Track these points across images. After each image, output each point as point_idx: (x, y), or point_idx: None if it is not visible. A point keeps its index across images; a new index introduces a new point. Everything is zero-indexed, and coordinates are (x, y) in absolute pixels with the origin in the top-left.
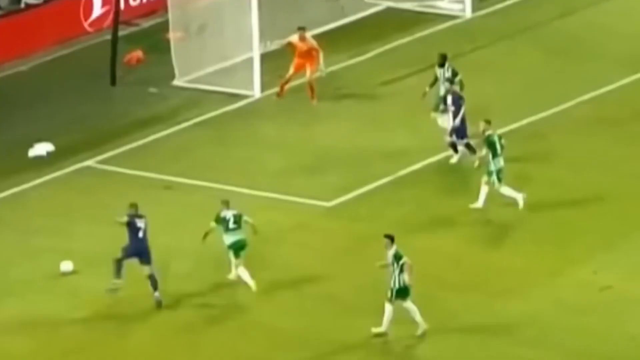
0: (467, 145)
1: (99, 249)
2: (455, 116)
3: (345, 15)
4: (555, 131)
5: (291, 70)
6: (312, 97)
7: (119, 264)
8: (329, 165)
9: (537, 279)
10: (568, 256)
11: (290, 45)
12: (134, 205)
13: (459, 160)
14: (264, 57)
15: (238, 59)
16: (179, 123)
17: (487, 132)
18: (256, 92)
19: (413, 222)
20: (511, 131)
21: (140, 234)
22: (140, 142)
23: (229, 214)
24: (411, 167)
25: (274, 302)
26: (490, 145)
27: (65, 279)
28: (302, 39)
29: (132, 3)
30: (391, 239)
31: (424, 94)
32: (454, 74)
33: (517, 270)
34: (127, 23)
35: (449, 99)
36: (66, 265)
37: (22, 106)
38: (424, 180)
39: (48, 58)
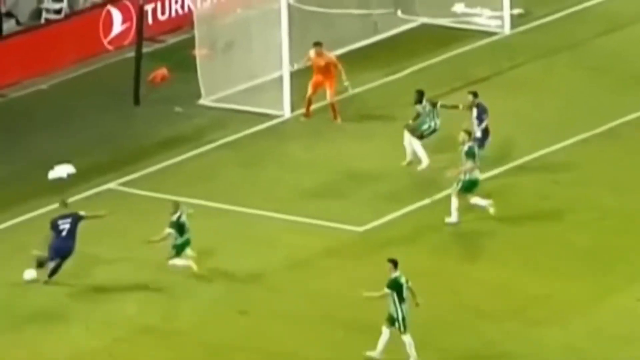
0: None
1: (120, 274)
2: (479, 127)
3: (378, 32)
4: (596, 153)
5: (310, 89)
6: (335, 117)
7: (39, 263)
8: (361, 188)
9: (577, 306)
10: (609, 283)
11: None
12: (63, 204)
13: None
14: (294, 75)
15: (267, 77)
16: (204, 144)
17: (468, 144)
18: (286, 112)
19: (449, 248)
20: (550, 153)
21: (64, 234)
22: (164, 164)
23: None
24: (448, 190)
25: (302, 330)
26: (472, 157)
27: (84, 305)
28: (319, 54)
29: (159, 18)
30: (394, 263)
31: (407, 125)
32: (433, 104)
33: (556, 298)
34: (152, 39)
35: (475, 111)
36: (29, 274)
37: (42, 126)
38: (461, 205)
39: (69, 76)
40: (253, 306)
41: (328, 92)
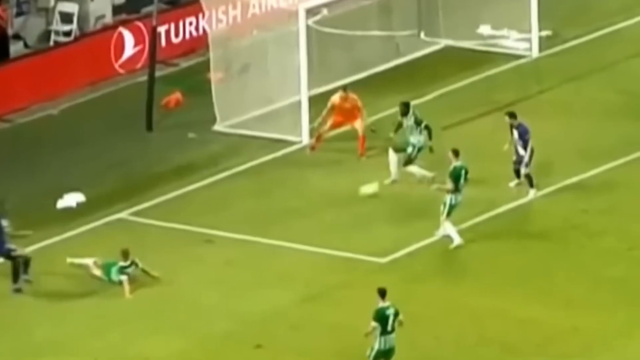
0: (528, 176)
1: (132, 307)
2: (524, 148)
3: (400, 55)
4: (627, 180)
5: (327, 126)
6: (362, 154)
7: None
8: (382, 217)
9: (606, 340)
10: (639, 317)
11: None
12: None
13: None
14: (312, 100)
15: (284, 102)
16: (220, 171)
17: (455, 164)
18: (304, 138)
19: (473, 279)
20: (579, 180)
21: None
22: (178, 192)
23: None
24: (474, 219)
25: None
26: (456, 178)
27: (93, 339)
28: (345, 98)
29: (173, 40)
30: (382, 293)
31: (391, 138)
32: (417, 122)
33: (583, 331)
34: (165, 62)
35: (516, 133)
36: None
37: (51, 152)
38: (489, 233)
39: (79, 100)
40: (269, 340)
41: (359, 128)
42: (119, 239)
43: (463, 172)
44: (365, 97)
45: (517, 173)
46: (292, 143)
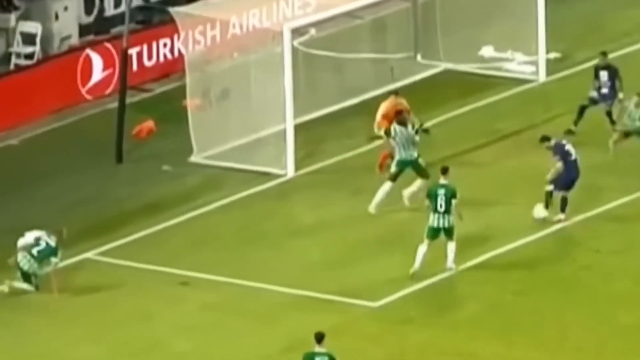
0: (563, 200)
1: (100, 354)
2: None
3: (395, 79)
4: None
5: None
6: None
7: None
8: (375, 256)
9: None
10: None
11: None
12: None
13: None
14: (298, 129)
15: (268, 131)
16: (197, 207)
17: (441, 181)
18: (289, 171)
19: (477, 325)
20: (590, 217)
21: None
22: (151, 230)
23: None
24: (476, 258)
25: None
26: (432, 198)
27: None
28: (395, 104)
29: (146, 63)
30: (318, 338)
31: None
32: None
33: None
34: (137, 88)
35: (551, 153)
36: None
37: (12, 187)
38: (490, 274)
39: (42, 130)
40: None
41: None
42: (86, 281)
43: (441, 191)
44: (357, 125)
45: (565, 200)
46: (276, 176)
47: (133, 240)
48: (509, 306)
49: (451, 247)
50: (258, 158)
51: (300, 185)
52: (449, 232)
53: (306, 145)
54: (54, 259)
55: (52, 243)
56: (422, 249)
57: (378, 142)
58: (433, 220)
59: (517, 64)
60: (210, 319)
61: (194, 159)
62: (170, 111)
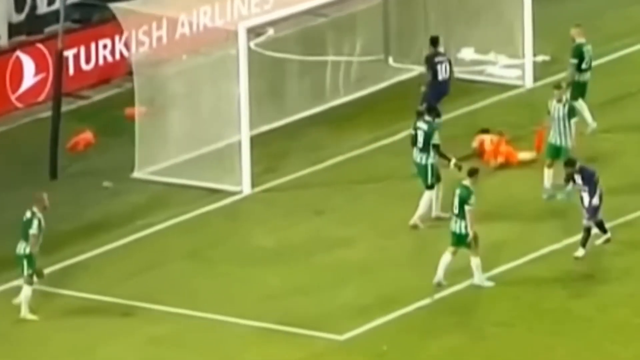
0: (599, 225)
1: None
2: (593, 194)
3: (364, 85)
4: None
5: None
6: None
7: None
8: (342, 283)
9: None
10: None
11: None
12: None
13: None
14: (256, 141)
15: (220, 144)
16: (141, 229)
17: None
18: (245, 188)
19: None
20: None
21: None
22: (89, 254)
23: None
24: (456, 286)
25: None
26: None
27: None
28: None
29: (83, 67)
30: None
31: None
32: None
33: None
34: (73, 95)
35: (579, 179)
36: None
37: None
38: (472, 303)
39: None
40: None
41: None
42: (16, 311)
43: (458, 191)
44: (322, 136)
45: (588, 232)
46: (230, 193)
47: (69, 265)
48: (492, 338)
49: (473, 262)
50: (209, 173)
51: (257, 203)
52: (460, 239)
53: (264, 159)
54: (31, 231)
55: (27, 215)
56: (445, 257)
57: (340, 158)
58: (451, 223)
59: (501, 68)
60: (157, 354)
61: (137, 174)
62: (111, 121)
